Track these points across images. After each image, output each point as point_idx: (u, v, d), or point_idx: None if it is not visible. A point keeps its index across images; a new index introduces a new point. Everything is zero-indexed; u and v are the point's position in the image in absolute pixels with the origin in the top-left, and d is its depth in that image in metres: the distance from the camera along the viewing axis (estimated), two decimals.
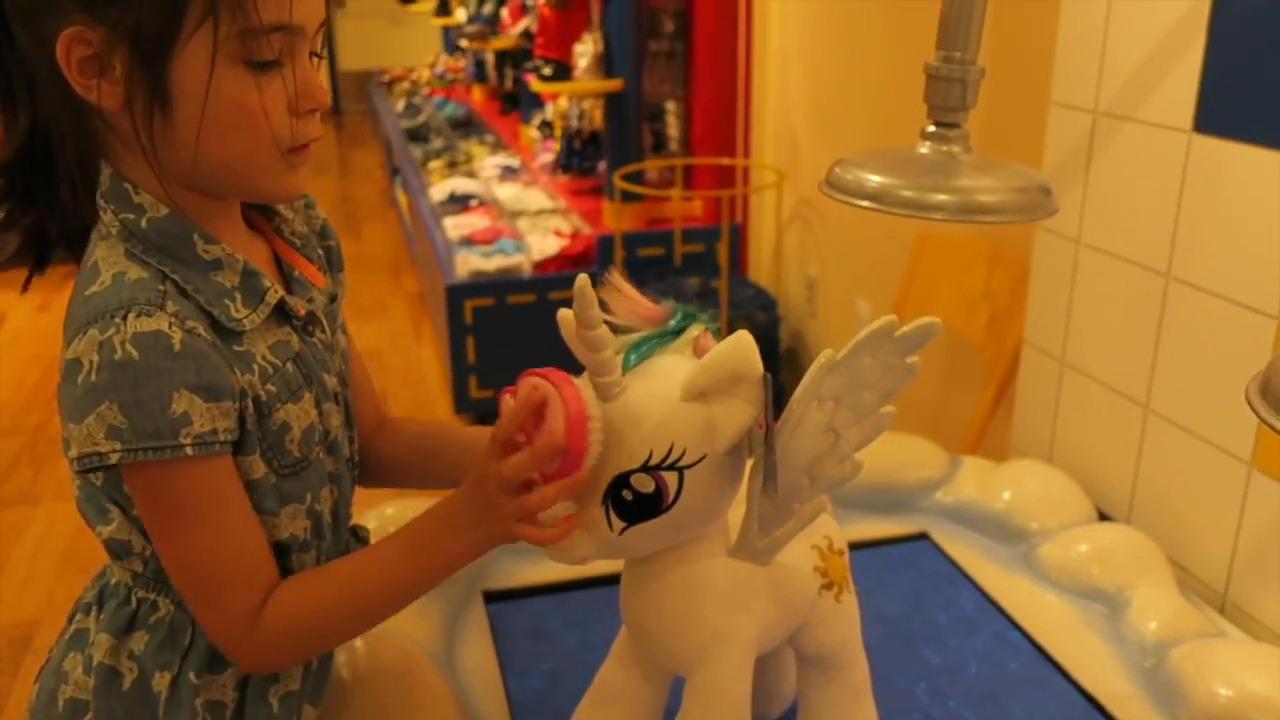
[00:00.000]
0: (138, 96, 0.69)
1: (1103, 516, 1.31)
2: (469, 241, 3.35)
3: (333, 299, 0.86)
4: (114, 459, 0.68)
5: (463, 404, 3.15)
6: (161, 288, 0.71)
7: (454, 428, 0.97)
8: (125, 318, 0.68)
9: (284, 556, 0.79)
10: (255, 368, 0.74)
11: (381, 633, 0.87)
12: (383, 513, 1.15)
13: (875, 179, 0.88)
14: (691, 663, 0.80)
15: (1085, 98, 1.32)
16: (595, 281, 0.71)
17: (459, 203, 3.84)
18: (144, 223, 0.73)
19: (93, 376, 0.67)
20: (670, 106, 3.45)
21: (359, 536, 0.90)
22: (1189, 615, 1.09)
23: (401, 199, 4.90)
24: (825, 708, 0.88)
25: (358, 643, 0.96)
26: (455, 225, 3.53)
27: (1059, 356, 1.41)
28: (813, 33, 2.71)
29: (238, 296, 0.75)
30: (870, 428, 0.78)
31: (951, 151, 0.89)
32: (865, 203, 0.88)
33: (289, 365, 0.77)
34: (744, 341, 0.73)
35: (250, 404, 0.73)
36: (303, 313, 0.80)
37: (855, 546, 1.24)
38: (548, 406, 0.71)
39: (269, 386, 0.75)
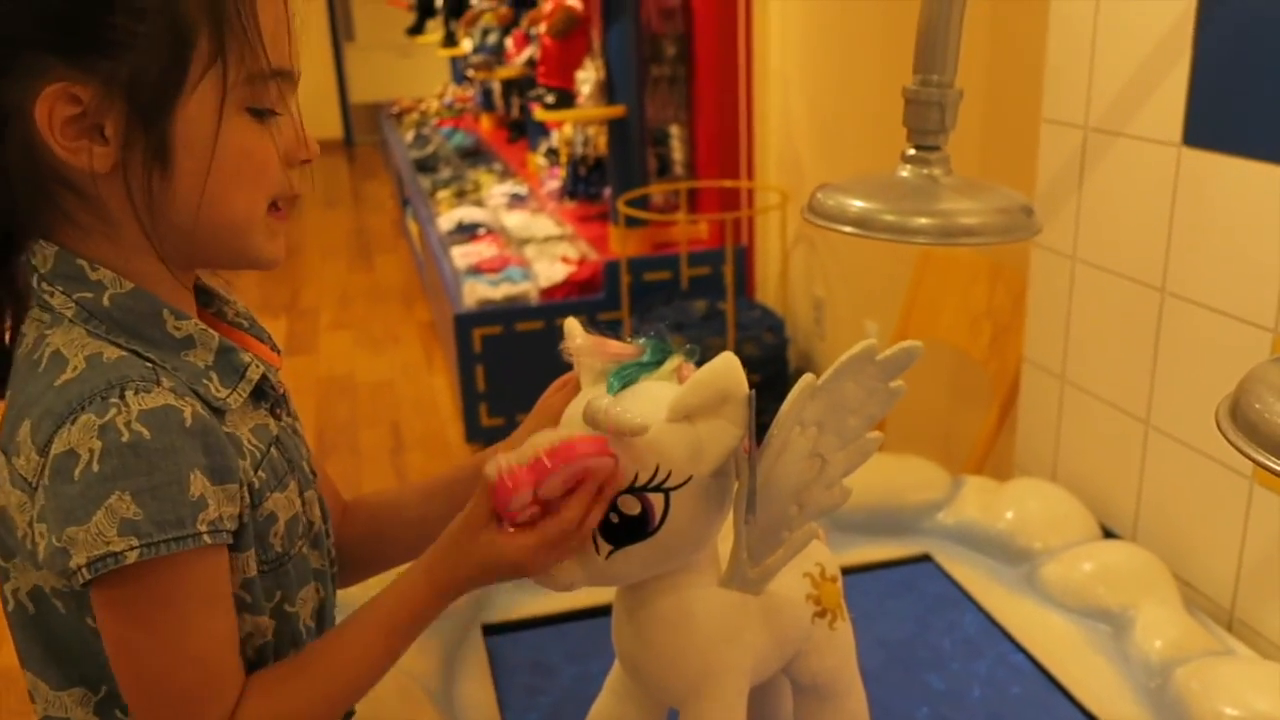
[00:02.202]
0: (133, 157, 0.63)
1: (1109, 534, 1.30)
2: (476, 270, 3.37)
3: None
4: (131, 558, 0.60)
5: (474, 432, 3.15)
6: (148, 365, 0.64)
7: (407, 495, 0.90)
8: (123, 395, 0.61)
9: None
10: (245, 453, 0.68)
11: None
12: None
13: (857, 204, 0.88)
14: (684, 696, 0.79)
15: (1075, 114, 1.31)
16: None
17: (466, 231, 3.86)
18: (106, 300, 0.65)
19: (95, 466, 0.59)
20: (674, 131, 3.46)
21: None
22: (1194, 633, 1.08)
23: (412, 229, 4.93)
24: None
25: None
26: (463, 254, 3.55)
27: (1059, 374, 1.41)
28: (812, 54, 2.72)
29: (214, 376, 0.68)
30: (856, 453, 0.77)
31: (932, 175, 0.89)
32: (848, 228, 0.88)
33: (273, 450, 0.72)
34: (731, 361, 0.74)
35: (246, 492, 0.67)
36: (281, 390, 0.75)
37: (857, 569, 1.24)
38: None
39: (260, 473, 0.69)
